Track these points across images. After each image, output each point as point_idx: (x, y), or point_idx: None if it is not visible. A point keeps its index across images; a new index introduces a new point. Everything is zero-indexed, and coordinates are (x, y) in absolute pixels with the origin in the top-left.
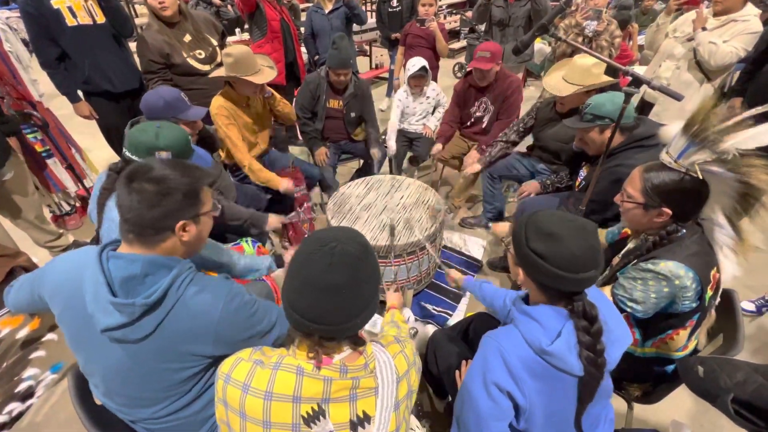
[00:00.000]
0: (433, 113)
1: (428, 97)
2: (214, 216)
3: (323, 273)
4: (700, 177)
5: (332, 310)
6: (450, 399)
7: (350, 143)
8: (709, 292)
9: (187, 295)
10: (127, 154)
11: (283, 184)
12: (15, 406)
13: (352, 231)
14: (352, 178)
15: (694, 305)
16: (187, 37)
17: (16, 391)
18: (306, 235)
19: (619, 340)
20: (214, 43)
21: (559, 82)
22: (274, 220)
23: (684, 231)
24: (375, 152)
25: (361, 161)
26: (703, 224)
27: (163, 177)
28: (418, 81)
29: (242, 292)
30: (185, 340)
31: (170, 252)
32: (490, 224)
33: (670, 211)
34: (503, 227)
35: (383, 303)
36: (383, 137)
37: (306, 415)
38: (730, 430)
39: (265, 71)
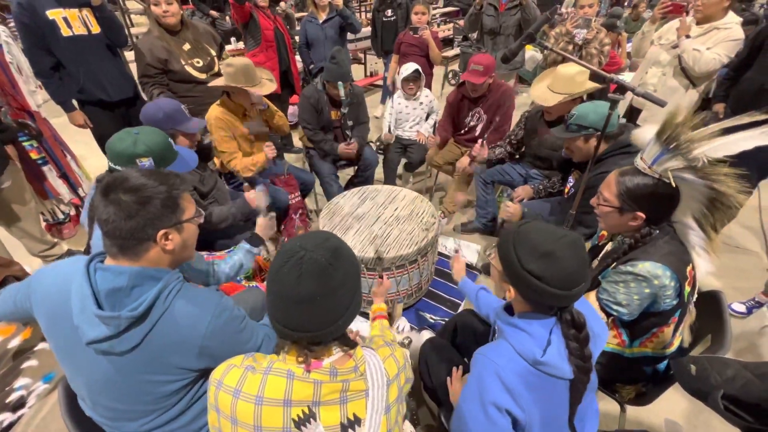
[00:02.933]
0: (426, 119)
1: (422, 103)
2: (200, 223)
3: (294, 286)
4: (673, 184)
5: (312, 319)
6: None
7: None
8: (687, 288)
9: (175, 307)
10: (110, 164)
11: (267, 152)
12: (6, 417)
13: (322, 236)
14: (347, 187)
15: (674, 302)
16: (186, 46)
17: (7, 401)
18: None
19: (598, 336)
20: (213, 53)
21: (545, 92)
22: (249, 195)
23: (657, 232)
24: (353, 144)
25: (355, 168)
26: (675, 226)
27: (139, 186)
28: (413, 84)
29: (231, 306)
30: (171, 351)
31: (156, 262)
32: (509, 195)
33: (643, 215)
34: (515, 207)
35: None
36: (378, 142)
37: (297, 419)
38: (722, 430)
39: (266, 84)
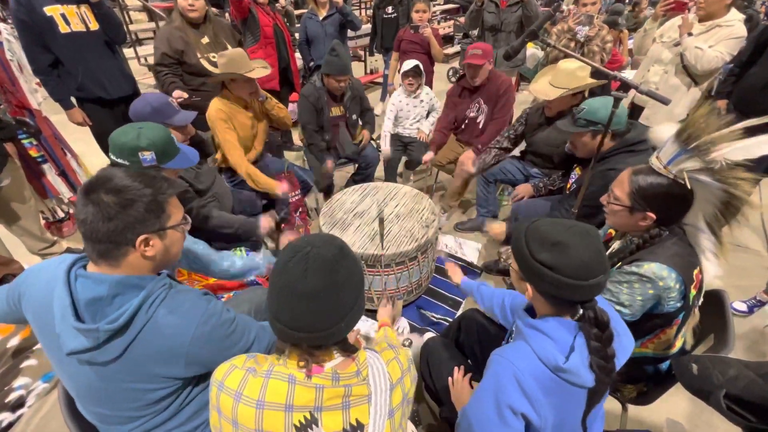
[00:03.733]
0: (426, 117)
1: (422, 101)
2: (186, 230)
3: (299, 280)
4: (688, 185)
5: (313, 317)
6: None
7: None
8: (693, 291)
9: (159, 316)
10: (112, 157)
11: (280, 188)
12: (5, 416)
13: (329, 235)
14: (347, 184)
15: (678, 305)
16: (205, 39)
17: (7, 400)
18: None
19: (625, 347)
20: (230, 49)
21: (545, 86)
22: (265, 222)
23: (666, 233)
24: (365, 132)
25: (356, 165)
26: (685, 229)
27: (122, 187)
28: (413, 79)
29: (219, 311)
30: (156, 362)
31: (136, 269)
32: (486, 221)
33: (654, 216)
34: (499, 227)
35: (373, 311)
36: (378, 140)
37: (298, 424)
38: (724, 429)
39: (258, 70)
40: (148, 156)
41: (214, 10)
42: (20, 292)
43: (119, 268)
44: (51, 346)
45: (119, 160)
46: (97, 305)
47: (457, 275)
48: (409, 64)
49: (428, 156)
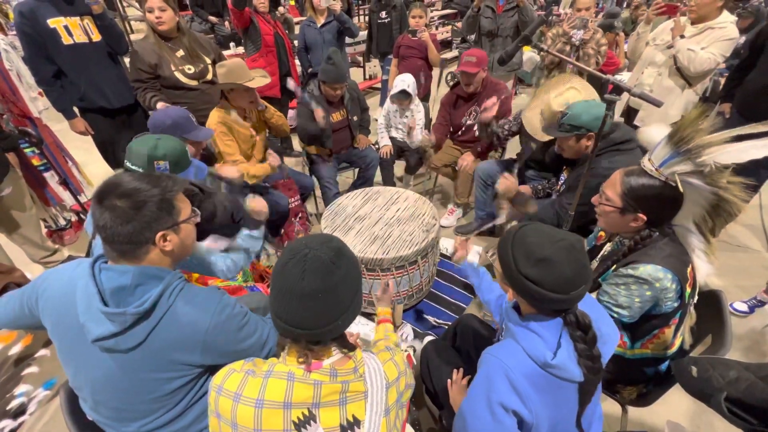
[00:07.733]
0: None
1: (406, 116)
2: (198, 222)
3: (297, 281)
4: (680, 188)
5: (312, 315)
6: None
7: (349, 150)
8: (688, 290)
9: (177, 305)
10: (128, 164)
11: (271, 161)
12: (6, 424)
13: (326, 236)
14: (349, 190)
15: (675, 304)
16: (180, 52)
17: (8, 408)
18: None
19: (608, 338)
20: (207, 61)
21: (538, 123)
22: (255, 208)
23: (657, 234)
24: (362, 137)
25: (357, 170)
26: (675, 229)
27: (133, 190)
28: (400, 102)
29: (232, 303)
30: (175, 348)
31: (157, 263)
32: (498, 181)
33: (645, 217)
34: (508, 182)
35: (374, 315)
36: (376, 145)
37: (297, 421)
38: (724, 430)
39: (258, 79)
40: (162, 165)
41: (213, 18)
42: (38, 294)
43: (140, 263)
44: (72, 341)
45: (134, 167)
46: (121, 294)
47: (461, 257)
48: (397, 87)
49: (427, 138)
